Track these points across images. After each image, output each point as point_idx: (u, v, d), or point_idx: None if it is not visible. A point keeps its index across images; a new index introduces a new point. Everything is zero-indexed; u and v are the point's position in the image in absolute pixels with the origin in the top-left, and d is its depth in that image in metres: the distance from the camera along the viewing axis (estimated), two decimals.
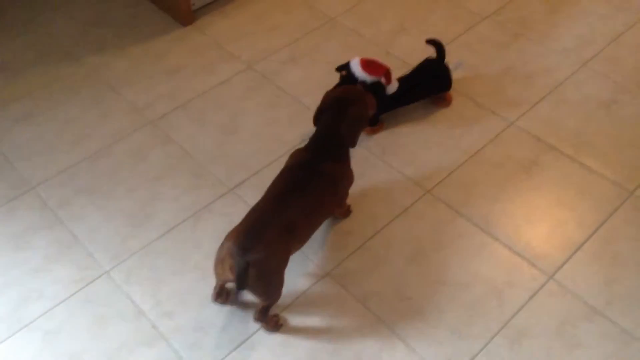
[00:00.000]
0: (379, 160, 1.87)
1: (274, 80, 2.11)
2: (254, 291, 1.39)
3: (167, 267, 1.64)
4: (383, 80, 1.82)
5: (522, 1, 2.38)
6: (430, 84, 1.92)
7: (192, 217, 1.74)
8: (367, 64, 1.81)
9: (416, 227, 1.71)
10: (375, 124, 1.93)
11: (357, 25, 2.30)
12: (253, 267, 1.33)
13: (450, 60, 1.97)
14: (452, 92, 2.03)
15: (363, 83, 1.80)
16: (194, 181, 1.82)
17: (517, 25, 2.28)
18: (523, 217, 1.72)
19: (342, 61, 2.03)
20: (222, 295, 1.55)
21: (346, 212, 1.74)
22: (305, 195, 1.45)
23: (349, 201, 1.74)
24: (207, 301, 1.57)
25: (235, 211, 1.75)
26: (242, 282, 1.33)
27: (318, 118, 1.58)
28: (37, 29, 2.32)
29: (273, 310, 1.54)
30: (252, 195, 1.78)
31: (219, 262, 1.40)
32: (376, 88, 1.81)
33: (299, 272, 1.62)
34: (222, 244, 1.39)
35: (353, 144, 1.55)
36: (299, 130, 1.95)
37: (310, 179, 1.47)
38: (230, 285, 1.56)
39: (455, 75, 2.08)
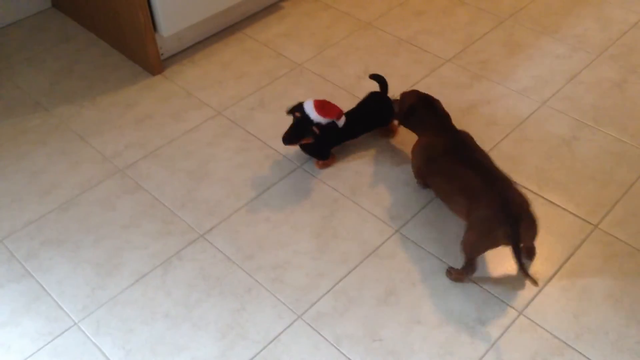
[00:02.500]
0: (348, 201, 1.89)
1: (243, 125, 2.14)
2: (529, 238, 1.64)
3: (137, 316, 1.62)
4: (336, 121, 1.89)
5: (482, 44, 2.46)
6: (375, 115, 2.01)
7: (162, 265, 1.73)
8: (321, 106, 1.87)
9: (388, 266, 1.73)
10: (327, 157, 1.98)
11: (323, 71, 2.35)
12: (522, 222, 1.53)
13: (392, 93, 2.08)
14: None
15: (318, 125, 1.85)
16: (163, 228, 1.82)
17: (478, 68, 2.36)
18: (491, 253, 1.75)
19: None
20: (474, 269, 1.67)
21: None
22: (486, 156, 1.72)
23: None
24: (178, 349, 1.55)
25: (205, 257, 1.74)
26: (518, 239, 1.52)
27: (410, 114, 1.86)
28: (5, 81, 2.33)
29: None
30: (223, 240, 1.79)
31: (489, 234, 1.55)
32: (331, 128, 1.88)
33: (271, 317, 1.61)
34: (488, 217, 1.55)
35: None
36: (269, 173, 1.97)
37: (475, 145, 1.76)
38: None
39: None
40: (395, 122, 2.03)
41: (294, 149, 2.05)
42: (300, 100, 2.01)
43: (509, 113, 2.17)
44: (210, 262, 1.73)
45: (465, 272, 1.66)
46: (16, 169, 2.01)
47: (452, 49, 2.45)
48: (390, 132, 2.09)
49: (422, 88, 2.27)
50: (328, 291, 1.67)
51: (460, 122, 2.14)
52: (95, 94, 2.28)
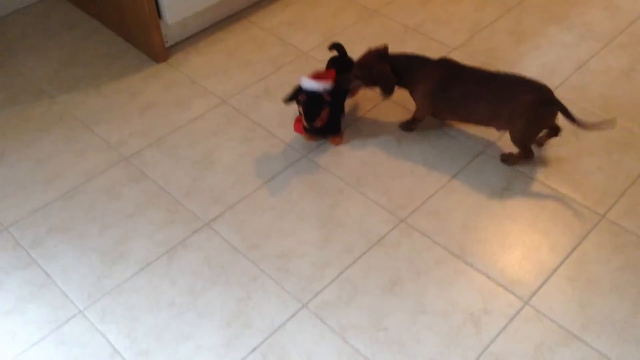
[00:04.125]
0: (354, 190, 1.88)
1: (248, 114, 2.13)
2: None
3: (142, 304, 1.62)
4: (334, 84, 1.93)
5: (489, 33, 2.44)
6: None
7: (167, 254, 1.73)
8: (318, 77, 1.89)
9: (392, 256, 1.72)
10: (339, 129, 2.01)
11: (327, 59, 2.33)
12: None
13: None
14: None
15: (328, 92, 1.88)
16: (168, 217, 1.82)
17: (485, 56, 2.33)
18: (497, 243, 1.74)
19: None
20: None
21: None
22: None
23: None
24: (183, 338, 1.55)
25: (210, 246, 1.74)
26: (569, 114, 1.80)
27: (387, 77, 1.91)
28: (10, 70, 2.32)
29: None
30: (228, 229, 1.78)
31: (542, 118, 1.82)
32: (336, 93, 1.93)
33: (276, 306, 1.61)
34: (529, 107, 1.76)
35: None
36: (274, 162, 1.97)
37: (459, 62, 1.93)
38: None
39: None
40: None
41: (300, 137, 2.04)
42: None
43: None
44: (216, 251, 1.73)
45: (525, 157, 1.91)
46: (21, 156, 2.01)
47: (459, 37, 2.42)
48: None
49: None
50: (333, 280, 1.67)
51: None
52: (99, 82, 2.27)
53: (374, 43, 2.39)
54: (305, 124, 1.88)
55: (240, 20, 2.53)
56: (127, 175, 1.94)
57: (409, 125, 2.05)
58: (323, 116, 1.88)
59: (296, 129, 1.96)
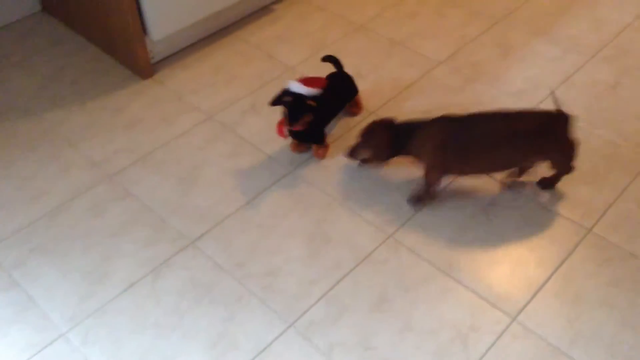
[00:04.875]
0: (341, 206, 1.87)
1: (234, 129, 2.12)
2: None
3: (126, 325, 1.60)
4: (324, 91, 1.93)
5: (475, 46, 2.45)
6: (343, 91, 2.08)
7: (152, 273, 1.71)
8: (307, 81, 1.89)
9: (380, 272, 1.71)
10: (323, 139, 2.00)
11: (316, 73, 2.32)
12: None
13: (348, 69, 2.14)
14: None
15: (314, 98, 1.87)
16: (153, 235, 1.80)
17: (471, 70, 2.34)
18: (484, 259, 1.74)
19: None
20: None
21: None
22: None
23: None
24: (169, 358, 1.53)
25: (195, 265, 1.72)
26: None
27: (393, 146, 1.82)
28: None
29: None
30: (214, 247, 1.77)
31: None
32: (323, 100, 1.91)
33: (262, 326, 1.59)
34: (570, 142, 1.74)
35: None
36: (261, 178, 1.96)
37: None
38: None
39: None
40: (359, 96, 2.15)
41: (287, 152, 2.03)
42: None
43: None
44: (201, 270, 1.71)
45: (569, 172, 1.85)
46: (5, 174, 1.99)
47: (444, 51, 2.43)
48: (358, 107, 2.16)
49: (415, 91, 2.26)
50: (320, 298, 1.65)
51: None
52: (85, 98, 2.25)
53: (361, 57, 2.39)
54: (286, 126, 1.88)
55: (227, 35, 2.52)
56: (112, 193, 1.92)
57: (419, 198, 1.85)
58: (305, 120, 1.87)
59: (278, 131, 1.94)
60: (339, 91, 2.07)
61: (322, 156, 2.02)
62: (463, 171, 1.85)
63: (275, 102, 1.88)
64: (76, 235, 1.81)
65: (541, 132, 1.70)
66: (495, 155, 1.73)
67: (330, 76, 2.08)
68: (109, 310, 1.63)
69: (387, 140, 1.81)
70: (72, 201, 1.90)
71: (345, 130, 2.12)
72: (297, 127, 1.87)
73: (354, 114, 2.16)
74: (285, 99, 1.87)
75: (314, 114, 1.88)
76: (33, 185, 1.95)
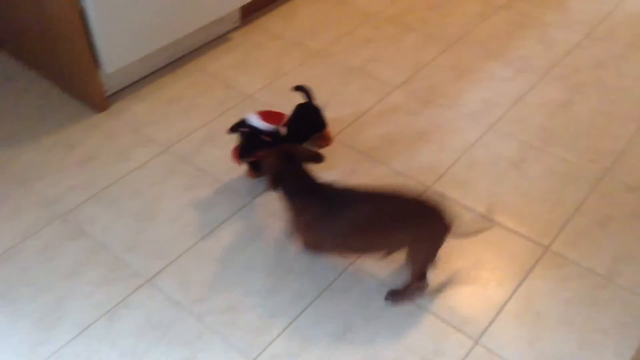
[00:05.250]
0: None
1: (191, 161, 2.10)
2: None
3: None
4: (282, 126, 1.91)
5: (430, 70, 2.48)
6: (309, 123, 2.06)
7: (107, 314, 1.66)
8: (266, 115, 1.87)
9: (343, 301, 1.69)
10: None
11: (275, 101, 2.33)
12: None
13: (333, 102, 2.14)
14: (369, 159, 2.07)
15: (269, 133, 1.85)
16: (108, 275, 1.75)
17: (427, 93, 2.37)
18: (445, 282, 1.73)
19: None
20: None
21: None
22: None
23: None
24: None
25: (152, 304, 1.68)
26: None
27: (277, 179, 1.60)
28: None
29: None
30: (171, 284, 1.73)
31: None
32: (278, 136, 1.88)
33: None
34: (440, 228, 1.56)
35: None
36: (219, 210, 1.93)
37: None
38: None
39: (373, 143, 2.13)
40: (328, 130, 2.12)
41: (246, 182, 2.01)
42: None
43: (458, 137, 2.18)
44: (158, 308, 1.67)
45: (421, 280, 1.65)
46: None
47: (401, 75, 2.45)
48: (325, 141, 2.13)
49: (374, 115, 2.27)
50: (282, 332, 1.63)
51: (411, 148, 2.13)
52: (36, 134, 2.20)
53: (319, 84, 2.40)
54: (234, 152, 1.88)
55: (183, 65, 2.51)
56: (65, 232, 1.87)
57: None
58: (257, 155, 1.86)
59: (233, 157, 1.92)
60: (304, 123, 2.04)
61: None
62: (340, 251, 1.73)
63: (233, 129, 1.88)
64: (27, 280, 1.74)
65: (417, 217, 1.56)
66: (370, 237, 1.59)
67: (299, 106, 2.05)
68: (63, 356, 1.57)
69: (272, 171, 1.61)
70: (22, 243, 1.84)
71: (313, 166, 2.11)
72: (245, 159, 1.87)
73: (320, 146, 2.13)
74: (242, 129, 1.86)
75: (268, 148, 1.87)
76: None
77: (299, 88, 2.08)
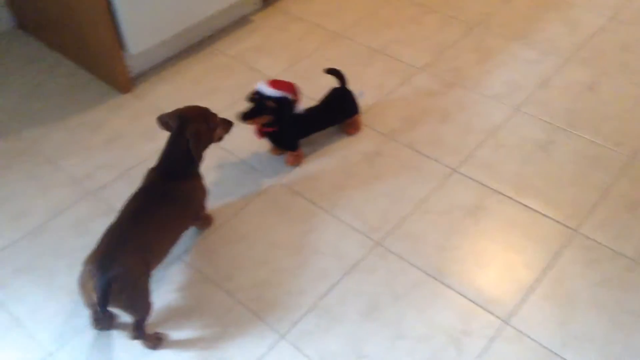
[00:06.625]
0: (327, 215, 1.86)
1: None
2: (121, 306, 1.42)
3: (115, 343, 1.57)
4: (291, 96, 1.90)
5: (453, 52, 2.47)
6: (338, 109, 2.05)
7: None
8: (274, 83, 1.89)
9: (369, 280, 1.70)
10: (295, 147, 1.99)
11: (296, 82, 2.32)
12: (114, 283, 1.37)
13: (357, 87, 2.10)
14: (393, 141, 2.07)
15: (273, 99, 1.86)
16: None
17: (450, 75, 2.35)
18: (473, 263, 1.74)
19: None
20: (101, 321, 1.56)
21: (206, 222, 1.82)
22: (154, 215, 1.53)
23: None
24: None
25: (183, 279, 1.70)
26: (104, 300, 1.37)
27: (162, 121, 1.64)
28: None
29: None
30: (201, 261, 1.74)
31: (82, 287, 1.43)
32: (283, 103, 1.88)
33: (254, 338, 1.57)
34: (82, 269, 1.43)
35: (199, 158, 1.64)
36: (246, 190, 1.94)
37: (159, 198, 1.56)
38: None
39: (396, 125, 2.13)
40: (358, 116, 2.10)
41: (272, 162, 2.02)
42: None
43: (483, 120, 2.17)
44: (188, 283, 1.69)
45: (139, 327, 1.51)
46: None
47: (424, 57, 2.44)
48: (355, 127, 2.12)
49: (397, 98, 2.26)
50: (310, 309, 1.64)
51: (436, 131, 2.13)
52: (63, 115, 2.22)
53: (341, 65, 2.38)
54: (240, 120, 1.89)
55: (206, 48, 2.51)
56: (95, 209, 1.88)
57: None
58: (261, 120, 1.88)
59: (255, 132, 1.96)
60: (336, 106, 2.05)
61: (291, 163, 2.01)
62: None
63: (248, 99, 1.91)
64: (60, 254, 1.77)
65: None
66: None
67: (334, 89, 2.06)
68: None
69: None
70: (54, 219, 1.86)
71: (338, 147, 2.11)
72: (248, 121, 1.87)
73: (349, 133, 2.12)
74: (254, 97, 1.88)
75: (274, 116, 1.88)
76: (13, 205, 1.91)
77: (332, 71, 2.07)
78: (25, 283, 1.70)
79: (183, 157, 1.62)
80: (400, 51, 2.47)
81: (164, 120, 1.65)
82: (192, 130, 1.61)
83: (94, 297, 1.39)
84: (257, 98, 1.87)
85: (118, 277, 1.38)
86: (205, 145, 1.68)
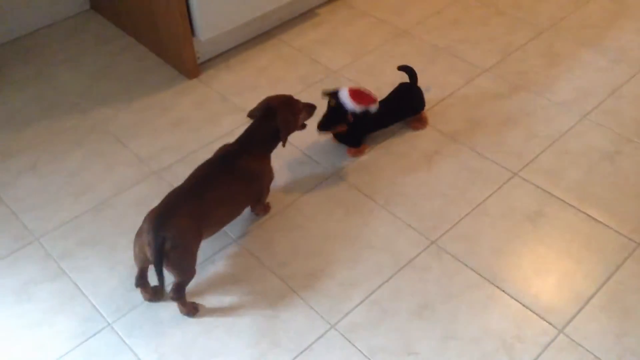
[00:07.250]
0: (383, 210, 1.87)
1: None
2: (169, 264, 1.48)
3: (171, 319, 1.61)
4: (372, 107, 1.91)
5: (520, 55, 2.42)
6: (406, 105, 2.06)
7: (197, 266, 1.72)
8: (356, 95, 1.89)
9: (422, 278, 1.69)
10: (358, 144, 2.01)
11: (359, 78, 2.33)
12: (167, 241, 1.44)
13: (422, 84, 2.10)
14: (453, 141, 2.05)
15: (353, 113, 1.88)
16: None
17: (517, 78, 2.32)
18: (530, 269, 1.71)
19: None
20: (145, 285, 1.63)
21: (265, 209, 1.85)
22: (218, 187, 1.59)
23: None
24: (210, 354, 1.54)
25: (239, 262, 1.73)
26: (158, 257, 1.44)
27: (252, 115, 1.75)
28: (43, 83, 2.35)
29: None
30: (257, 246, 1.77)
31: (137, 242, 1.51)
32: (364, 116, 1.90)
33: (304, 325, 1.59)
34: (141, 226, 1.51)
35: (284, 144, 1.73)
36: (304, 180, 1.96)
37: (226, 170, 1.63)
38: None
39: (458, 126, 2.11)
40: (425, 112, 2.11)
41: (329, 154, 2.03)
42: None
43: (548, 125, 2.12)
44: (244, 267, 1.72)
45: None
46: (53, 169, 2.03)
47: (489, 58, 2.41)
48: (421, 123, 2.12)
49: (460, 97, 2.24)
50: (362, 302, 1.64)
51: (499, 133, 2.10)
52: (131, 96, 2.29)
53: (405, 63, 2.38)
54: (319, 122, 1.92)
55: (271, 38, 2.54)
56: (158, 189, 1.94)
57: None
58: (337, 129, 1.92)
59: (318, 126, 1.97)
60: (404, 102, 2.06)
61: (353, 154, 2.03)
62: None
63: (326, 94, 1.94)
64: (122, 230, 1.83)
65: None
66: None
67: (402, 85, 2.08)
68: (154, 304, 1.64)
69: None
70: (117, 196, 1.93)
71: (398, 143, 2.11)
72: (325, 131, 1.92)
73: (416, 128, 2.12)
74: (331, 102, 1.89)
75: (348, 126, 1.91)
76: (80, 180, 1.99)
77: (404, 68, 2.08)
78: (88, 255, 1.77)
79: (263, 139, 1.71)
80: (465, 51, 2.45)
81: (254, 114, 1.75)
82: (283, 117, 1.70)
83: (146, 251, 1.47)
84: (336, 104, 1.88)
85: (172, 237, 1.45)
86: (291, 132, 1.76)
